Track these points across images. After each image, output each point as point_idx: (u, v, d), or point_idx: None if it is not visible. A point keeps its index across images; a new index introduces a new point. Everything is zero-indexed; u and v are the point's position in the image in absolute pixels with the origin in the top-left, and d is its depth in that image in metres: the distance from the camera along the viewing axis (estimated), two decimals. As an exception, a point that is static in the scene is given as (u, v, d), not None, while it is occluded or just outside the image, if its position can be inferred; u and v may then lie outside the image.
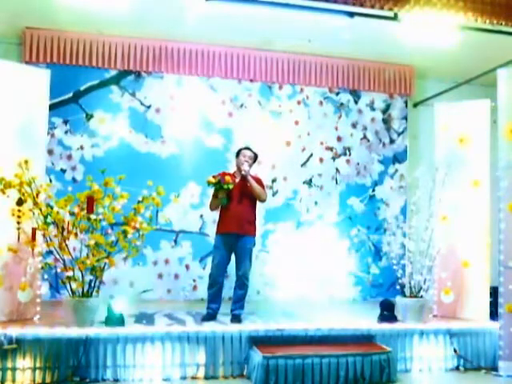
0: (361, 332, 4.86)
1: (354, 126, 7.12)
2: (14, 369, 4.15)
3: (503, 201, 4.96)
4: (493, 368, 4.97)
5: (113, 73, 6.43)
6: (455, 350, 5.01)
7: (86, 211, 4.50)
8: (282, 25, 5.81)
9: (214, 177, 5.02)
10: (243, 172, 5.05)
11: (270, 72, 6.77)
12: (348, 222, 7.02)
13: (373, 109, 7.19)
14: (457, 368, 5.01)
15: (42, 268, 4.76)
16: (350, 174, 7.08)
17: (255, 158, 5.30)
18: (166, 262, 6.42)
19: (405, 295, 5.28)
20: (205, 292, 5.28)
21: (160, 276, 6.39)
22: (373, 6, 4.97)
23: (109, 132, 6.39)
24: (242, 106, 6.78)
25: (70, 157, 6.27)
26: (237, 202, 5.08)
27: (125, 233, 4.64)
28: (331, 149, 7.03)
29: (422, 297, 5.20)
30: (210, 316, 5.00)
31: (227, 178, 4.96)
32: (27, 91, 4.95)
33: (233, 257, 5.17)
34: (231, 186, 4.96)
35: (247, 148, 5.30)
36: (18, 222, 4.63)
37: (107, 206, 4.62)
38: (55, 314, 4.97)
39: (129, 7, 5.42)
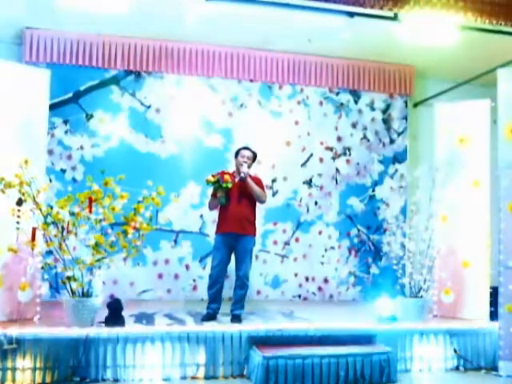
0: (361, 332, 4.86)
1: (354, 125, 7.12)
2: (14, 369, 4.15)
3: (503, 201, 4.96)
4: (493, 368, 4.96)
5: (113, 73, 6.43)
6: (455, 350, 5.01)
7: (86, 211, 4.51)
8: (281, 25, 5.82)
9: (213, 176, 5.03)
10: (242, 174, 5.03)
11: (270, 72, 6.77)
12: (348, 222, 7.02)
13: (373, 109, 7.19)
14: (457, 368, 5.00)
15: (42, 268, 4.76)
16: (350, 174, 7.08)
17: (254, 157, 5.30)
18: (166, 262, 6.42)
19: (405, 295, 5.28)
20: (205, 292, 5.28)
21: (160, 276, 6.39)
22: (373, 6, 4.97)
23: (109, 132, 6.39)
24: (241, 105, 6.78)
25: (70, 157, 6.27)
26: (236, 201, 5.08)
27: (125, 233, 4.64)
28: (331, 149, 7.03)
29: (421, 297, 5.20)
30: (210, 316, 5.01)
31: (226, 177, 4.96)
32: (27, 91, 4.95)
33: (233, 257, 5.17)
34: (230, 185, 4.95)
35: (246, 148, 5.30)
36: (18, 222, 4.63)
37: (107, 206, 4.62)
38: (55, 314, 4.97)
39: (129, 7, 5.43)
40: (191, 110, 6.62)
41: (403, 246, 5.45)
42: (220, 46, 6.54)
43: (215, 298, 5.09)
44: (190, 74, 6.57)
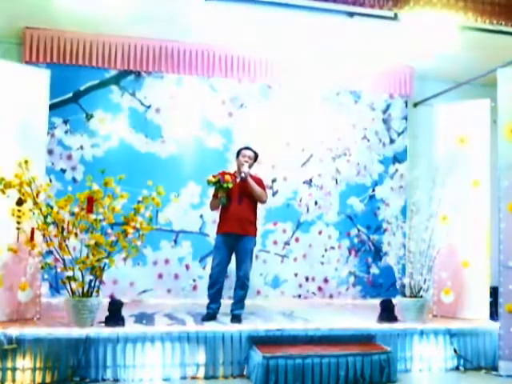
0: (361, 332, 4.86)
1: (354, 126, 7.12)
2: (13, 369, 4.15)
3: (503, 201, 4.96)
4: (493, 368, 4.96)
5: (113, 73, 6.42)
6: (455, 350, 5.01)
7: (85, 211, 4.51)
8: (281, 25, 5.81)
9: (213, 176, 5.04)
10: (242, 174, 5.04)
11: (270, 72, 6.77)
12: (348, 222, 7.02)
13: (373, 109, 7.18)
14: (457, 368, 5.00)
15: (42, 268, 4.76)
16: (350, 173, 7.08)
17: (256, 157, 5.31)
18: (166, 261, 6.42)
19: (405, 295, 5.28)
20: (205, 292, 5.28)
21: (160, 276, 6.39)
22: (373, 6, 4.98)
23: (109, 132, 6.39)
24: (241, 105, 6.78)
25: (69, 157, 6.27)
26: (237, 202, 5.09)
27: (125, 233, 4.64)
28: (331, 149, 7.02)
29: (421, 297, 5.20)
30: (210, 316, 5.01)
31: (227, 177, 4.98)
32: (27, 91, 4.95)
33: (233, 257, 5.17)
34: (231, 185, 4.96)
35: (247, 148, 5.31)
36: (18, 222, 4.63)
37: (107, 206, 4.62)
38: (55, 314, 4.97)
39: (129, 7, 5.44)
40: (191, 110, 6.61)
41: (403, 246, 5.46)
42: (220, 46, 6.53)
43: (215, 297, 5.09)
44: (189, 74, 6.57)
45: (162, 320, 4.98)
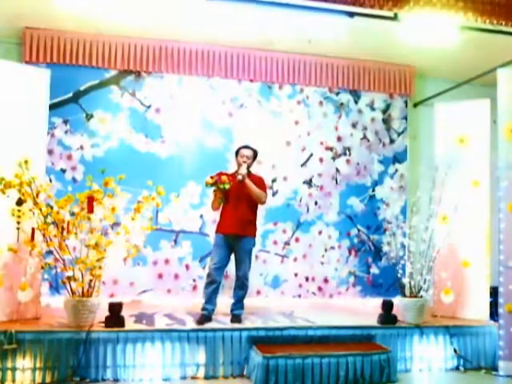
0: (361, 332, 4.87)
1: (353, 126, 7.11)
2: (13, 369, 4.16)
3: (503, 201, 4.97)
4: (493, 368, 4.97)
5: (113, 73, 6.42)
6: (455, 350, 5.01)
7: (86, 211, 4.51)
8: (282, 25, 5.82)
9: (211, 177, 5.03)
10: (239, 176, 5.01)
11: (270, 72, 6.76)
12: (348, 222, 7.02)
13: (373, 109, 7.18)
14: (457, 368, 5.01)
15: (42, 268, 4.76)
16: (350, 174, 7.07)
17: (255, 155, 5.29)
18: (166, 261, 6.42)
19: (405, 295, 5.28)
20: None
21: (160, 276, 6.39)
22: (373, 6, 4.98)
23: (109, 132, 6.38)
24: (241, 105, 6.78)
25: (69, 157, 6.26)
26: (236, 202, 5.08)
27: (125, 233, 4.64)
28: (331, 149, 7.02)
29: (422, 297, 5.20)
30: (205, 318, 4.93)
31: (223, 178, 4.98)
32: (27, 91, 4.96)
33: (232, 257, 5.17)
34: (227, 186, 4.95)
35: (246, 147, 5.30)
36: (18, 222, 4.63)
37: (107, 206, 4.62)
38: (55, 314, 4.97)
39: (129, 7, 5.44)
40: (191, 110, 6.61)
41: (403, 246, 5.46)
42: (220, 45, 6.53)
43: (211, 298, 5.03)
44: (189, 74, 6.57)
45: (161, 320, 4.98)
